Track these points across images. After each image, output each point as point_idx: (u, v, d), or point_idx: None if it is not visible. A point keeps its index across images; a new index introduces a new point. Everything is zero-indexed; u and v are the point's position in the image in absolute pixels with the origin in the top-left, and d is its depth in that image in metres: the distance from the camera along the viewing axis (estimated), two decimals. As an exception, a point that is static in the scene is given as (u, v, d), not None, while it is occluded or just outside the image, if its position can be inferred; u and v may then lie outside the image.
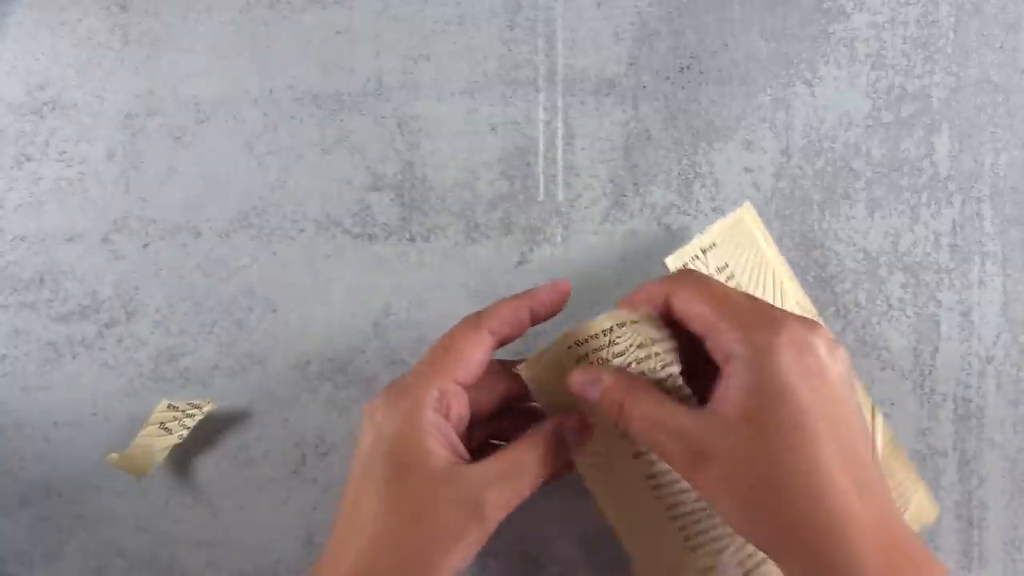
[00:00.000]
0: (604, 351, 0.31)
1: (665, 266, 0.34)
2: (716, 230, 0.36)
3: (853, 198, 0.42)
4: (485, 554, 0.40)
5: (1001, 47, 0.42)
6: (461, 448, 0.31)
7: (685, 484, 0.33)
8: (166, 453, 0.39)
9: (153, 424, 0.39)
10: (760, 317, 0.28)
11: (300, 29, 0.42)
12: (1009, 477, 0.41)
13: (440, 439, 0.30)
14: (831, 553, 0.25)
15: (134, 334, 0.41)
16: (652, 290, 0.31)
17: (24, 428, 0.41)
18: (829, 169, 0.42)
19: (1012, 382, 0.42)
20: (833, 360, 0.28)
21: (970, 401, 0.41)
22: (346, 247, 0.41)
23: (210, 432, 0.41)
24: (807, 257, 0.42)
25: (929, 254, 0.42)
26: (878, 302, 0.42)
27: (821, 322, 0.32)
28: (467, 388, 0.32)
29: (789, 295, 0.38)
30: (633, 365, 0.31)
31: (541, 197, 0.42)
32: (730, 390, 0.27)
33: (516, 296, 0.32)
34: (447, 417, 0.31)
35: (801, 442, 0.26)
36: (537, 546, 0.41)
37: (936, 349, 0.42)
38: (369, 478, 0.30)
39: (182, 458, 0.41)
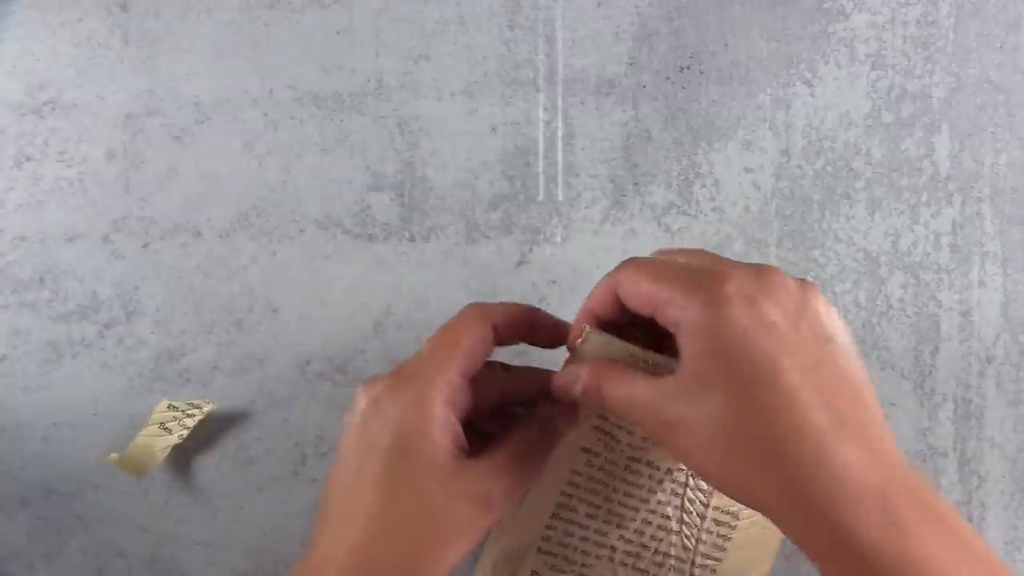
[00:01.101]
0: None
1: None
2: None
3: (853, 198, 0.42)
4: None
5: (1001, 47, 0.42)
6: (464, 442, 0.30)
7: (593, 502, 0.33)
8: (166, 453, 0.39)
9: (153, 424, 0.39)
10: (701, 279, 0.27)
11: (300, 29, 0.42)
12: (1009, 477, 0.41)
13: (449, 432, 0.29)
14: (830, 505, 0.24)
15: (134, 334, 0.41)
16: (601, 293, 0.30)
17: (24, 428, 0.41)
18: (829, 169, 0.42)
19: (1012, 382, 0.42)
20: (800, 300, 0.26)
21: (970, 401, 0.41)
22: (346, 247, 0.41)
23: (210, 432, 0.41)
24: (807, 257, 0.42)
25: (929, 254, 0.42)
26: (878, 302, 0.42)
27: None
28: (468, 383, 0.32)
29: None
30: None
31: (541, 197, 0.42)
32: (684, 357, 0.26)
33: (526, 305, 0.32)
34: (456, 408, 0.30)
35: (764, 393, 0.25)
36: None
37: (936, 349, 0.42)
38: (369, 470, 0.29)
39: (182, 458, 0.41)
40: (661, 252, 0.31)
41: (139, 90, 0.42)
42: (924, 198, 0.42)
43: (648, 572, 0.34)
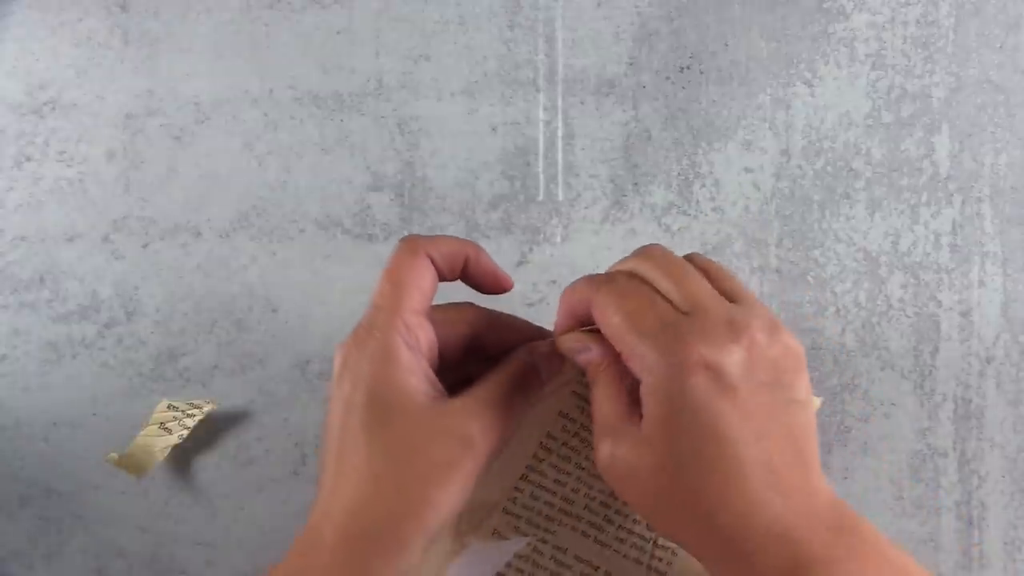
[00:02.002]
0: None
1: None
2: None
3: (853, 198, 0.42)
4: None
5: (1001, 47, 0.42)
6: (438, 382, 0.30)
7: (564, 469, 0.33)
8: (166, 453, 0.39)
9: (153, 424, 0.39)
10: (671, 339, 0.27)
11: (300, 29, 0.42)
12: (1009, 477, 0.41)
13: (418, 375, 0.29)
14: (738, 555, 0.26)
15: (134, 334, 0.41)
16: (582, 293, 0.30)
17: (24, 428, 0.41)
18: (829, 169, 0.42)
19: (1012, 382, 0.42)
20: (768, 354, 0.27)
21: (970, 401, 0.41)
22: (346, 247, 0.41)
23: (210, 432, 0.41)
24: (807, 257, 0.42)
25: (929, 254, 0.42)
26: (878, 302, 0.42)
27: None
28: (430, 319, 0.32)
29: None
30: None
31: (541, 197, 0.42)
32: (645, 414, 0.27)
33: (463, 239, 0.32)
34: (419, 349, 0.30)
35: (706, 467, 0.26)
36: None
37: (936, 349, 0.42)
38: (351, 426, 0.29)
39: (182, 458, 0.41)
40: (647, 256, 0.31)
41: (139, 90, 0.42)
42: (924, 198, 0.42)
43: (610, 546, 0.34)
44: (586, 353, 0.31)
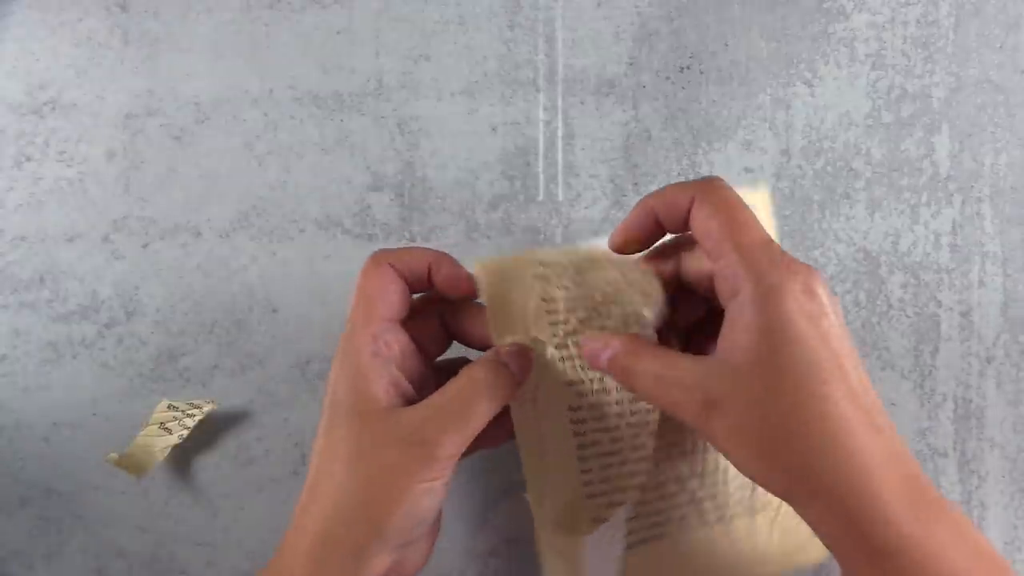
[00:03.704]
0: (566, 278, 0.31)
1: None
2: None
3: (853, 198, 0.42)
4: (485, 553, 0.40)
5: (1001, 47, 0.42)
6: (406, 386, 0.31)
7: (607, 424, 0.32)
8: (166, 453, 0.39)
9: (153, 424, 0.39)
10: (771, 257, 0.27)
11: (300, 29, 0.42)
12: (1009, 477, 0.41)
13: (383, 382, 0.30)
14: (854, 496, 0.25)
15: (134, 334, 0.41)
16: (676, 196, 0.30)
17: (24, 428, 0.41)
18: (829, 169, 0.42)
19: (1012, 382, 0.42)
20: (835, 308, 0.28)
21: (970, 401, 0.41)
22: (346, 247, 0.41)
23: (210, 432, 0.41)
24: (807, 257, 0.42)
25: (929, 254, 0.42)
26: (878, 302, 0.42)
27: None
28: (404, 325, 0.32)
29: None
30: (598, 297, 0.31)
31: (541, 197, 0.42)
32: (737, 332, 0.27)
33: (428, 249, 0.32)
34: (389, 355, 0.31)
35: (813, 386, 0.26)
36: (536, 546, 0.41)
37: (936, 349, 0.42)
38: (320, 433, 0.30)
39: (182, 458, 0.41)
40: (719, 186, 0.30)
41: (139, 90, 0.42)
42: (924, 198, 0.42)
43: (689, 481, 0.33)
44: (605, 350, 0.30)
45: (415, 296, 0.33)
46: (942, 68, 0.42)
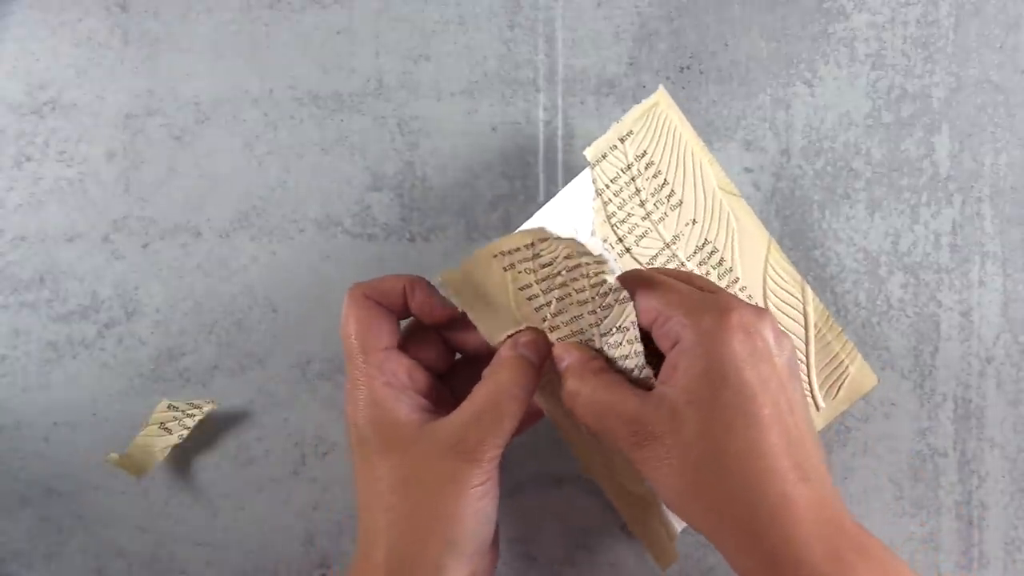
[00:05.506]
0: (530, 262, 0.31)
1: (584, 157, 0.36)
2: (631, 118, 0.37)
3: (853, 198, 0.42)
4: (485, 554, 0.40)
5: (1001, 47, 0.42)
6: (425, 403, 0.31)
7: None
8: (166, 453, 0.39)
9: (153, 424, 0.39)
10: (707, 303, 0.28)
11: (300, 29, 0.42)
12: (1009, 477, 0.41)
13: (405, 405, 0.30)
14: (771, 537, 0.25)
15: (134, 334, 0.41)
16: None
17: (24, 428, 0.41)
18: (829, 169, 0.42)
19: (1012, 382, 0.42)
20: (779, 347, 0.28)
21: (970, 401, 0.41)
22: (346, 247, 0.41)
23: (210, 432, 0.41)
24: (807, 257, 0.42)
25: (929, 254, 0.42)
26: (878, 302, 0.42)
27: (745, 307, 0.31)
28: (406, 349, 0.33)
29: (710, 178, 0.38)
30: (563, 274, 0.31)
31: (541, 197, 0.42)
32: (678, 372, 0.27)
33: (403, 276, 0.33)
34: (399, 381, 0.31)
35: (745, 425, 0.26)
36: (537, 546, 0.41)
37: (936, 349, 0.42)
38: (368, 477, 0.30)
39: (182, 458, 0.41)
40: (651, 276, 0.31)
41: (139, 90, 0.42)
42: (924, 198, 0.42)
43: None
44: (561, 360, 0.31)
45: (409, 320, 0.34)
46: (942, 68, 0.42)
